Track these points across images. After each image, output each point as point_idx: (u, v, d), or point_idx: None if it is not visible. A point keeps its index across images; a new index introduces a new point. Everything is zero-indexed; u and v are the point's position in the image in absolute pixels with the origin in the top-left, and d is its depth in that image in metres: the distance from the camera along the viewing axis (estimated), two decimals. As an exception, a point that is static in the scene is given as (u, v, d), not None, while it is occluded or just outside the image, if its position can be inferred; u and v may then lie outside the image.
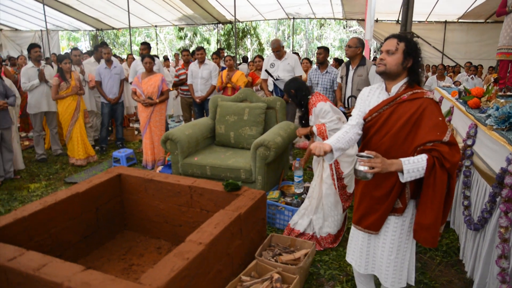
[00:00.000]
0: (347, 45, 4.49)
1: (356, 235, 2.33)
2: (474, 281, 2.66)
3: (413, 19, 11.73)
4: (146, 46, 6.35)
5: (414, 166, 1.85)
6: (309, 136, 3.61)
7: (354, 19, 12.73)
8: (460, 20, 11.45)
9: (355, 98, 4.50)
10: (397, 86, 2.07)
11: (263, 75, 5.59)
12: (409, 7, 3.31)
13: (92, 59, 6.81)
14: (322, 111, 3.28)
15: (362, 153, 1.89)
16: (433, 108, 1.95)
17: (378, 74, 2.13)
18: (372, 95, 2.20)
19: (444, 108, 4.33)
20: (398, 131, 2.00)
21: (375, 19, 9.98)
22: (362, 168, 1.85)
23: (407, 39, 2.04)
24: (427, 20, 11.73)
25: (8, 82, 5.41)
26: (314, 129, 3.30)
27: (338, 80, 4.97)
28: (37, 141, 5.90)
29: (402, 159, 1.87)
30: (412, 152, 1.94)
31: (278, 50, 5.32)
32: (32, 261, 2.09)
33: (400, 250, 2.17)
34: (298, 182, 3.56)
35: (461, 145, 3.27)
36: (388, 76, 2.07)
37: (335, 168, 3.27)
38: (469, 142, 3.12)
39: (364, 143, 2.23)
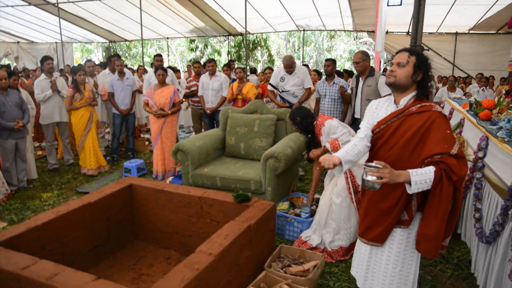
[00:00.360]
0: (354, 62, 4.54)
1: (359, 248, 2.33)
2: (487, 295, 2.63)
3: (424, 31, 11.81)
4: (160, 58, 6.47)
5: (421, 177, 1.86)
6: (311, 160, 3.66)
7: (364, 31, 12.77)
8: (471, 32, 11.42)
9: None
10: (406, 99, 2.09)
11: (269, 87, 5.63)
12: (419, 20, 3.32)
13: (107, 70, 6.95)
14: (332, 127, 3.37)
15: (370, 163, 1.91)
16: (441, 121, 1.96)
17: (387, 85, 2.16)
18: (380, 108, 2.22)
19: (455, 120, 4.31)
20: (406, 143, 2.02)
21: (386, 31, 10.00)
22: (370, 178, 1.87)
23: (418, 53, 2.07)
24: (438, 31, 11.73)
25: (24, 93, 5.54)
26: (328, 146, 3.35)
27: (349, 91, 5.00)
28: (49, 151, 6.00)
29: (410, 171, 1.88)
30: (419, 164, 1.95)
31: (291, 67, 5.36)
32: (45, 270, 2.13)
33: (405, 263, 2.16)
34: (305, 218, 3.66)
35: (472, 157, 3.26)
36: (397, 88, 2.09)
37: (352, 181, 3.28)
38: (480, 154, 3.10)
39: (371, 154, 2.24)
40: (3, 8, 11.85)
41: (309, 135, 3.56)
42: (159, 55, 6.57)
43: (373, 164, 1.90)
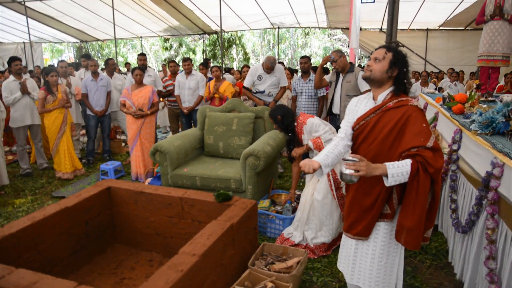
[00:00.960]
0: (333, 61, 4.55)
1: (346, 243, 2.36)
2: (464, 282, 2.71)
3: (397, 27, 12.06)
4: (144, 57, 6.40)
5: (398, 170, 1.90)
6: (293, 159, 3.67)
7: (338, 28, 12.93)
8: (441, 28, 11.74)
9: None
10: (383, 95, 2.13)
11: (245, 83, 5.58)
12: (394, 17, 3.39)
13: (82, 71, 6.82)
14: (313, 125, 3.38)
15: (347, 157, 1.95)
16: (417, 115, 2.00)
17: (363, 79, 2.20)
18: (360, 104, 2.25)
19: (429, 115, 4.42)
20: (385, 138, 2.05)
21: (360, 27, 10.16)
22: (347, 171, 1.91)
23: (396, 50, 2.11)
24: (410, 28, 11.99)
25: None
26: (310, 144, 3.37)
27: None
28: (21, 155, 5.80)
29: (387, 164, 1.92)
30: (397, 158, 1.99)
31: (273, 68, 5.36)
32: (22, 279, 2.06)
33: (389, 255, 2.20)
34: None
35: (447, 150, 3.35)
36: (372, 82, 2.13)
37: (333, 178, 3.32)
38: (455, 147, 3.19)
39: (353, 150, 2.27)
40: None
41: (290, 134, 3.55)
42: (143, 54, 6.49)
43: (350, 157, 1.94)
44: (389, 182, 1.91)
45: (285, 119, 3.48)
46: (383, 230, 2.18)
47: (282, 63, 9.77)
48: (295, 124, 3.52)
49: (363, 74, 2.16)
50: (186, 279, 2.12)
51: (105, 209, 3.43)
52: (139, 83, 5.44)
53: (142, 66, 6.18)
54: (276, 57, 15.76)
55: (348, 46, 13.09)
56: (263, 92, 5.43)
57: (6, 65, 13.55)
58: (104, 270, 3.14)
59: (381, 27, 11.80)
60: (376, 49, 2.15)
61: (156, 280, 2.03)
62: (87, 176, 5.71)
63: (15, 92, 5.55)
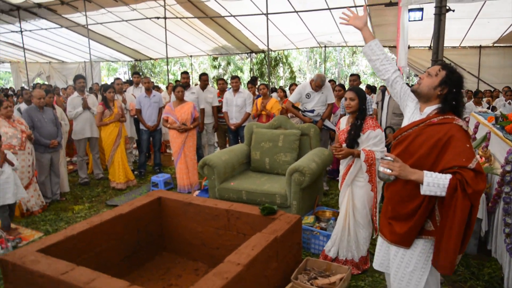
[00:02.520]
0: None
1: (381, 243, 2.38)
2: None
3: (447, 45, 11.71)
4: (187, 75, 6.71)
5: (435, 180, 1.89)
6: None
7: (385, 46, 12.77)
8: (495, 45, 11.28)
9: (393, 129, 4.53)
10: (430, 109, 2.13)
11: (289, 103, 5.62)
12: (440, 35, 3.36)
13: (131, 88, 7.29)
14: (378, 138, 3.19)
15: (385, 156, 2.01)
16: (461, 135, 1.97)
17: (411, 91, 2.22)
18: (410, 108, 2.27)
19: (481, 134, 4.28)
20: (424, 154, 2.04)
21: (408, 45, 10.00)
22: (381, 169, 1.99)
23: (451, 70, 2.10)
24: (461, 45, 11.63)
25: (59, 110, 5.82)
26: (363, 154, 3.14)
27: (374, 106, 5.03)
28: (80, 166, 6.23)
29: (425, 171, 1.92)
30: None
31: (322, 86, 5.42)
32: (82, 275, 2.23)
33: (417, 268, 2.16)
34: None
35: (499, 171, 3.23)
36: (419, 96, 2.16)
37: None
38: (508, 168, 3.08)
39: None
40: (36, 31, 12.47)
41: (359, 121, 3.27)
42: (186, 73, 6.79)
43: (387, 157, 2.00)
44: (423, 190, 1.91)
45: (364, 104, 3.28)
46: (421, 246, 2.15)
47: (333, 80, 9.80)
48: (364, 120, 3.28)
49: (412, 87, 2.19)
50: (230, 286, 2.20)
51: (156, 218, 3.61)
52: (181, 99, 5.69)
53: (185, 83, 6.45)
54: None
55: (397, 65, 12.87)
56: (312, 111, 5.47)
57: (69, 82, 14.64)
58: (153, 276, 3.29)
59: (430, 45, 11.50)
60: (433, 65, 2.18)
61: (202, 286, 2.13)
62: (138, 187, 6.00)
63: (78, 107, 6.01)
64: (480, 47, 11.49)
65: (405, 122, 2.26)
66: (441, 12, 3.35)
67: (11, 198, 4.25)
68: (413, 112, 2.24)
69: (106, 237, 3.10)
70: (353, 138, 3.24)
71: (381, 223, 2.35)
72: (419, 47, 12.06)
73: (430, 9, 4.83)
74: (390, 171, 1.97)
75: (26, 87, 12.13)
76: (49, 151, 5.13)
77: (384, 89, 4.68)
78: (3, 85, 25.78)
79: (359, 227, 3.35)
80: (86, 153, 6.45)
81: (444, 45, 12.12)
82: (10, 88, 16.80)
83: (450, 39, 11.24)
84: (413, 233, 2.13)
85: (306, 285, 2.77)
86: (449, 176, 1.90)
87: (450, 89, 2.07)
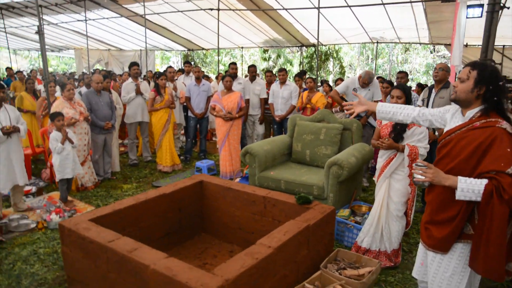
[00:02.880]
0: (438, 67, 4.46)
1: (420, 249, 2.38)
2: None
3: (510, 44, 11.03)
4: (235, 66, 6.91)
5: (470, 186, 1.89)
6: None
7: (441, 44, 12.26)
8: None
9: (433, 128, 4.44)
10: (472, 112, 2.09)
11: (335, 92, 5.64)
12: (491, 34, 3.23)
13: (182, 76, 7.62)
14: (422, 135, 3.26)
15: (419, 163, 2.04)
16: (503, 138, 1.93)
17: (451, 101, 2.19)
18: (453, 113, 2.25)
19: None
20: (467, 157, 2.02)
21: (465, 44, 9.53)
22: (415, 175, 2.04)
23: (481, 67, 2.05)
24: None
25: (115, 95, 6.22)
26: (407, 148, 3.21)
27: (419, 103, 4.92)
28: (131, 148, 6.62)
29: (460, 177, 1.93)
30: (474, 178, 1.96)
31: (369, 83, 5.40)
32: (126, 245, 2.45)
33: (456, 273, 2.14)
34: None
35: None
36: (459, 103, 2.13)
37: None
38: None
39: (434, 164, 2.26)
40: (99, 20, 13.23)
41: None
42: (234, 63, 6.98)
43: (420, 163, 2.03)
44: (458, 195, 1.92)
45: (410, 100, 3.37)
46: (460, 250, 2.13)
47: (382, 77, 9.60)
48: None
49: (450, 97, 2.16)
50: (260, 266, 2.32)
51: (197, 200, 3.81)
52: (229, 89, 5.87)
53: (233, 74, 6.62)
54: (374, 72, 15.47)
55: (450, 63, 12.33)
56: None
57: (126, 69, 15.41)
58: (190, 254, 3.49)
59: (492, 44, 10.93)
60: (463, 67, 2.13)
61: (233, 263, 2.27)
62: (183, 171, 6.29)
63: (131, 92, 6.37)
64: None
65: (448, 126, 2.24)
66: (494, 9, 3.22)
67: (70, 173, 4.65)
68: (452, 117, 2.21)
69: (150, 214, 3.33)
70: (398, 133, 3.32)
71: (421, 229, 2.35)
72: (478, 45, 11.43)
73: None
74: (424, 177, 2.01)
75: (86, 72, 12.92)
76: (103, 132, 5.52)
77: (432, 86, 4.57)
78: (67, 70, 27.53)
79: (392, 220, 3.38)
80: (137, 136, 6.83)
81: (507, 44, 11.43)
82: (70, 73, 17.94)
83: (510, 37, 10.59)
84: (452, 237, 2.11)
85: (335, 274, 2.84)
86: (484, 181, 1.89)
87: (487, 87, 2.02)
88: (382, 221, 3.42)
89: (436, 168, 1.99)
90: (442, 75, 4.40)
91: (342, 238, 3.82)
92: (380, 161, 3.50)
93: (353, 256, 3.13)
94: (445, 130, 2.23)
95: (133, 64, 6.60)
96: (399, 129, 3.31)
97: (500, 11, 3.21)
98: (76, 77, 14.31)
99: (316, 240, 2.96)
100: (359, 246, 3.51)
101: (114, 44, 17.16)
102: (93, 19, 13.11)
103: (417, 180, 2.02)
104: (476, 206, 2.01)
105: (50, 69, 24.88)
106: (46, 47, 12.10)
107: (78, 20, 13.19)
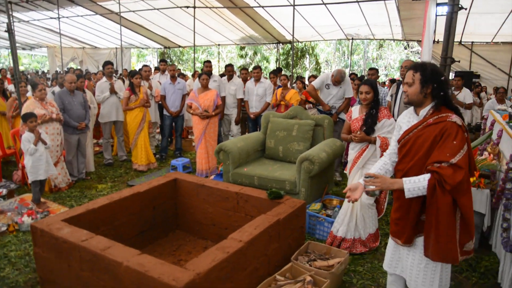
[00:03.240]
0: (404, 65, 4.65)
1: (391, 243, 2.49)
2: (507, 302, 2.67)
3: (478, 41, 11.42)
4: (209, 64, 6.94)
5: (414, 185, 2.04)
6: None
7: (414, 40, 12.59)
8: (530, 42, 10.94)
9: None
10: (425, 110, 2.22)
11: (315, 84, 5.72)
12: (451, 33, 3.39)
13: (158, 74, 7.60)
14: (391, 126, 3.50)
15: (366, 176, 2.19)
16: (452, 131, 2.06)
17: (405, 104, 2.32)
18: (404, 119, 2.37)
19: (495, 132, 4.29)
20: (424, 153, 2.14)
21: (436, 40, 9.81)
22: (366, 186, 2.19)
23: (422, 67, 2.17)
24: (493, 41, 11.32)
25: (89, 94, 6.17)
26: (378, 140, 3.45)
27: (388, 98, 5.09)
28: (105, 147, 6.58)
29: (404, 179, 2.08)
30: (425, 170, 2.10)
31: (340, 82, 5.53)
32: (99, 243, 2.49)
33: (429, 261, 2.25)
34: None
35: (504, 168, 3.28)
36: (413, 104, 2.26)
37: None
38: (512, 165, 3.13)
39: (397, 163, 2.37)
40: (73, 17, 13.00)
41: (374, 110, 3.55)
42: (208, 61, 7.02)
43: (368, 176, 2.18)
44: (406, 195, 2.07)
45: (377, 95, 3.56)
46: (421, 242, 2.24)
47: (354, 74, 9.79)
48: (379, 110, 3.57)
49: (404, 101, 2.29)
50: (231, 260, 2.41)
51: (171, 197, 3.86)
52: (205, 87, 5.91)
53: (208, 72, 6.67)
54: (349, 68, 15.72)
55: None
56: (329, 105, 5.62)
57: (101, 68, 15.20)
58: (165, 251, 3.55)
59: (461, 40, 11.29)
60: (406, 72, 2.26)
61: (205, 258, 2.34)
62: (159, 169, 6.30)
63: (105, 91, 6.34)
64: (514, 43, 11.15)
65: (404, 128, 2.34)
66: (453, 10, 3.38)
67: (43, 174, 4.61)
68: (409, 118, 2.32)
69: (124, 212, 3.36)
70: (370, 126, 3.54)
71: (390, 224, 2.45)
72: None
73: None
74: (374, 187, 2.14)
75: (60, 71, 12.70)
76: (77, 133, 5.48)
77: (399, 82, 4.74)
78: (39, 68, 26.89)
79: (364, 208, 3.56)
80: (112, 135, 6.80)
81: (475, 41, 11.79)
82: (43, 72, 17.56)
83: (482, 34, 10.97)
84: (410, 230, 2.22)
85: (305, 266, 2.95)
86: (427, 176, 2.02)
87: (432, 85, 2.15)
88: (356, 210, 3.58)
89: (382, 176, 2.14)
90: (403, 73, 4.59)
91: (314, 232, 3.93)
92: (352, 153, 3.71)
93: (323, 248, 3.25)
94: (402, 131, 2.34)
95: (107, 63, 6.55)
96: (370, 122, 3.54)
97: (457, 12, 3.36)
98: (49, 76, 14.04)
99: (286, 233, 3.06)
100: (335, 235, 3.64)
101: (88, 42, 16.89)
102: (67, 17, 12.87)
103: (368, 190, 2.16)
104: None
105: (22, 68, 24.27)
106: (17, 45, 11.83)
107: (51, 18, 12.93)
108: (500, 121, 4.10)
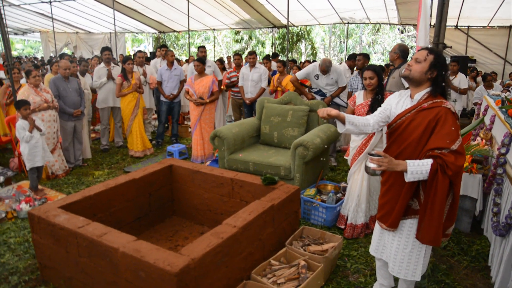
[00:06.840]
0: (392, 50, 4.65)
1: (377, 228, 2.54)
2: (495, 284, 2.74)
3: (474, 25, 11.36)
4: (204, 49, 6.89)
5: (418, 168, 2.05)
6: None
7: (410, 24, 12.52)
8: (526, 26, 10.91)
9: None
10: (420, 94, 2.24)
11: (294, 77, 5.76)
12: (442, 17, 3.38)
13: (158, 60, 7.55)
14: None
15: (373, 153, 2.14)
16: (448, 117, 2.09)
17: (402, 77, 2.34)
18: (398, 101, 2.38)
19: (488, 117, 4.33)
20: (418, 138, 2.17)
21: (432, 24, 9.76)
22: (371, 165, 2.13)
23: (437, 54, 2.21)
24: (489, 25, 11.28)
25: (82, 80, 6.14)
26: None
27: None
28: (103, 133, 6.60)
29: (408, 161, 2.08)
30: (422, 155, 2.13)
31: (327, 72, 5.53)
32: (96, 229, 2.53)
33: (414, 247, 2.32)
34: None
35: (495, 153, 3.33)
36: (411, 81, 2.26)
37: None
38: (503, 150, 3.17)
39: (387, 147, 2.41)
40: (65, 2, 12.79)
41: (379, 96, 3.57)
42: (203, 47, 6.98)
43: (375, 153, 2.14)
44: (408, 178, 2.08)
45: (382, 80, 3.57)
46: (408, 225, 2.30)
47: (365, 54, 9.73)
48: (384, 95, 3.57)
49: (402, 73, 2.30)
50: (225, 245, 2.45)
51: (167, 184, 3.89)
52: (200, 73, 5.89)
53: (202, 57, 6.63)
54: (345, 52, 15.63)
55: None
56: (318, 92, 5.64)
57: (95, 53, 15.03)
58: (162, 236, 3.60)
59: (457, 24, 11.25)
60: (419, 50, 2.28)
61: (199, 243, 2.39)
62: (155, 156, 6.32)
63: (103, 77, 6.33)
64: (510, 27, 11.10)
65: (396, 112, 2.36)
66: (445, -6, 3.38)
67: (40, 161, 4.63)
68: (398, 102, 2.35)
69: (120, 199, 3.40)
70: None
71: (378, 209, 2.50)
72: (447, 26, 11.74)
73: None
74: (379, 166, 2.11)
75: (54, 56, 12.56)
76: (72, 119, 5.47)
77: (388, 65, 4.75)
78: (33, 54, 26.58)
79: (375, 188, 3.61)
80: (109, 121, 6.79)
81: (471, 25, 11.70)
82: (37, 58, 17.34)
83: (478, 18, 10.90)
84: (396, 213, 2.28)
85: (300, 250, 3.01)
86: (430, 161, 2.05)
87: (439, 72, 2.18)
88: (364, 194, 3.63)
89: (390, 157, 2.12)
90: (391, 57, 4.59)
91: (308, 217, 3.99)
92: (357, 140, 3.67)
93: (317, 233, 3.31)
94: (393, 116, 2.36)
95: (105, 49, 6.53)
96: (376, 108, 3.46)
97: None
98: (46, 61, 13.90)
99: (281, 218, 3.11)
100: (351, 223, 3.69)
101: (82, 27, 16.66)
102: (59, 1, 12.67)
103: (373, 168, 2.12)
104: (421, 183, 2.18)
105: (15, 53, 23.98)
106: (9, 29, 11.64)
107: (43, 2, 12.72)
108: (493, 106, 4.13)
